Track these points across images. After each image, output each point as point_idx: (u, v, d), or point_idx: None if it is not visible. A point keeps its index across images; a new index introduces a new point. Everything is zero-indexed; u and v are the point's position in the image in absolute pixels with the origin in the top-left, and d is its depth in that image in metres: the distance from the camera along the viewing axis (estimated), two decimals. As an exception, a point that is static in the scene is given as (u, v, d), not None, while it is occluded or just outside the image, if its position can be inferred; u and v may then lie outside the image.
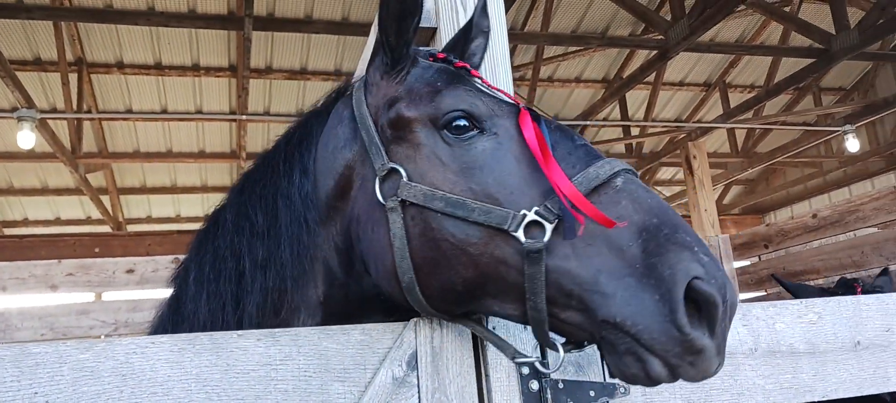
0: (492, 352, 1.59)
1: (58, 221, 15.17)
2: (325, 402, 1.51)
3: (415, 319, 1.59)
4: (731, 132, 15.16)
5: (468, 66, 1.69)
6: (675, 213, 1.38)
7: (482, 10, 1.86)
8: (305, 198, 1.77)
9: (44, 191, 14.14)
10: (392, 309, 1.69)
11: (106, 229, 14.70)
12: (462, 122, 1.54)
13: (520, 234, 1.38)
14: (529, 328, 1.62)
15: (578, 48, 12.02)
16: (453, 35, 1.91)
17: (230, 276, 1.83)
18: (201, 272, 1.89)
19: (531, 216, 1.38)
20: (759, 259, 6.67)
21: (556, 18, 11.50)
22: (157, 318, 2.08)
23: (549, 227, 1.36)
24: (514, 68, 12.63)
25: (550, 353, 1.60)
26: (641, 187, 1.41)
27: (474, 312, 1.58)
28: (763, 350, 1.82)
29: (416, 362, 1.56)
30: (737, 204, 18.74)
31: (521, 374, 1.59)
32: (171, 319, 1.98)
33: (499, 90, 1.64)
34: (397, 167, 1.58)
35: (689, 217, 12.73)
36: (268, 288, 1.78)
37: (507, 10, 9.08)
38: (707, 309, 1.23)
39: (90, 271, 5.91)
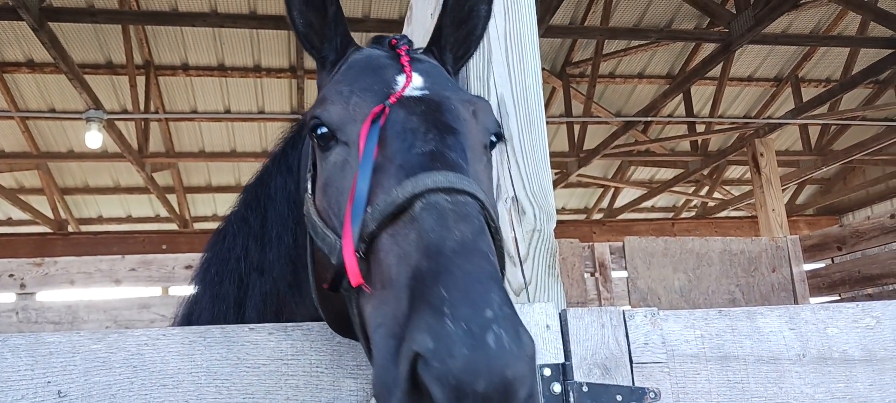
0: (511, 352, 1.51)
1: (129, 219, 15.80)
2: (337, 398, 1.46)
3: (429, 316, 1.52)
4: (803, 129, 14.50)
5: (401, 53, 1.53)
6: (458, 252, 1.06)
7: None
8: (288, 199, 1.71)
9: (116, 189, 14.74)
10: None
11: (174, 227, 15.22)
12: (322, 130, 1.40)
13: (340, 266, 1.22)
14: (551, 327, 1.54)
15: (640, 43, 11.70)
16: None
17: (233, 279, 1.81)
18: (207, 274, 1.89)
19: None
20: (833, 262, 6.35)
21: (616, 13, 11.23)
22: (174, 319, 2.09)
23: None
24: (574, 64, 12.42)
25: None
26: (437, 213, 1.13)
27: None
28: (812, 356, 1.67)
29: (431, 360, 1.49)
30: (811, 205, 17.92)
31: (542, 376, 1.50)
32: (183, 321, 1.99)
33: (409, 79, 1.44)
34: (308, 178, 1.49)
35: (757, 218, 12.24)
36: (265, 292, 1.75)
37: (563, 3, 8.93)
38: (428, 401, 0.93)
39: (151, 267, 6.10)
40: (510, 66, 1.79)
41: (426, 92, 1.42)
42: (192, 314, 1.95)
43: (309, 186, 1.47)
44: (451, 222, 1.11)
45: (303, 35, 1.54)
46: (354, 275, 1.15)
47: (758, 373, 1.67)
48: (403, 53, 1.53)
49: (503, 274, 1.19)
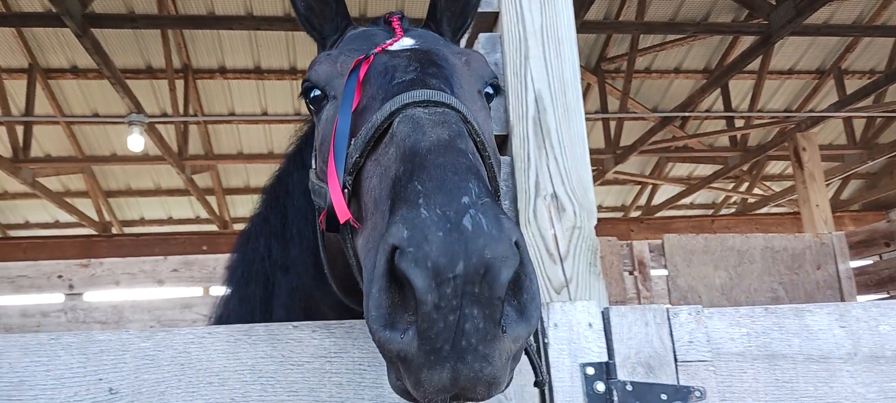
0: (553, 352, 1.50)
1: (170, 220, 16.12)
2: (380, 396, 1.47)
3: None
4: (847, 122, 14.12)
5: (393, 23, 1.54)
6: (432, 150, 1.02)
7: None
8: (305, 194, 1.70)
9: (157, 192, 15.05)
10: None
11: (213, 228, 15.48)
12: (314, 92, 1.41)
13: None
14: (594, 325, 1.52)
15: (676, 37, 11.52)
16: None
17: (258, 279, 1.82)
18: (234, 275, 1.91)
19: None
20: (881, 258, 6.18)
21: (652, 7, 11.08)
22: (209, 320, 2.12)
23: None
24: (609, 59, 12.29)
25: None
26: (412, 122, 1.09)
27: None
28: (864, 355, 1.62)
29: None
30: (857, 200, 17.44)
31: (585, 375, 1.48)
32: (215, 322, 2.01)
33: (397, 35, 1.44)
34: (313, 156, 1.50)
35: (799, 214, 11.96)
36: (292, 288, 1.75)
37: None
38: (411, 296, 0.89)
39: (193, 267, 6.22)
40: (547, 60, 1.77)
41: (415, 47, 1.42)
42: (223, 316, 1.97)
43: (313, 162, 1.47)
44: (427, 127, 1.08)
45: (304, 18, 1.58)
46: (341, 210, 1.11)
47: (807, 372, 1.63)
48: (395, 21, 1.54)
49: (498, 201, 1.11)
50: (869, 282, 6.14)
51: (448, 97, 1.16)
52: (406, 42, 1.44)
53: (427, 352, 0.88)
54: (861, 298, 6.12)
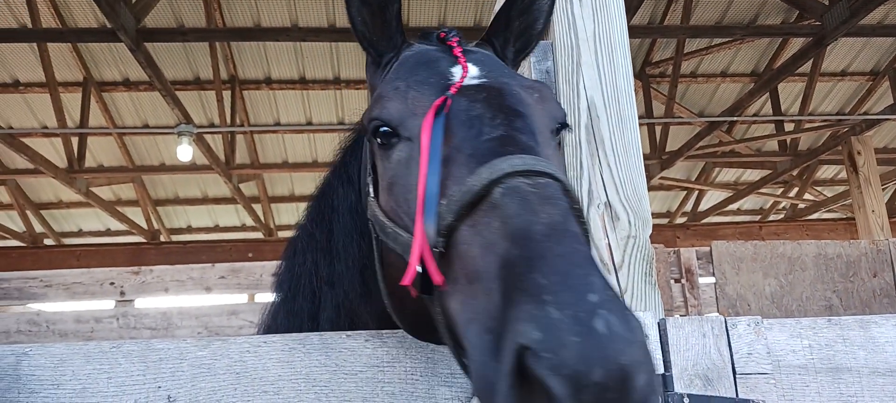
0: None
1: (217, 228, 16.43)
2: (432, 407, 1.46)
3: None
4: (903, 124, 13.66)
5: (453, 45, 1.50)
6: (549, 235, 1.00)
7: None
8: (351, 210, 1.70)
9: (204, 200, 15.37)
10: None
11: (259, 236, 15.73)
12: (382, 129, 1.37)
13: (419, 267, 1.17)
14: (650, 337, 1.49)
15: (723, 40, 11.30)
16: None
17: (305, 293, 1.82)
18: (281, 289, 1.92)
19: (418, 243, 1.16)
20: (941, 265, 5.94)
21: (698, 10, 10.89)
22: (258, 328, 2.14)
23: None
24: (654, 64, 12.12)
25: None
26: (519, 197, 1.07)
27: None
28: (936, 368, 1.55)
29: (527, 370, 1.47)
30: (913, 205, 16.84)
31: (641, 386, 1.45)
32: (265, 332, 2.02)
33: (465, 70, 1.39)
34: (369, 181, 1.47)
35: (854, 220, 11.59)
36: (338, 303, 1.74)
37: (642, 3, 8.73)
38: (538, 395, 0.87)
39: (240, 274, 6.31)
40: (600, 68, 1.76)
41: (484, 79, 1.39)
42: (271, 327, 1.98)
43: (371, 189, 1.45)
44: (536, 205, 1.06)
45: (360, 33, 1.54)
46: (435, 274, 1.11)
47: (873, 386, 1.57)
48: (455, 44, 1.50)
49: (616, 294, 1.13)
50: (929, 291, 5.90)
51: (546, 164, 1.15)
52: (473, 71, 1.42)
53: None
54: (919, 308, 5.89)
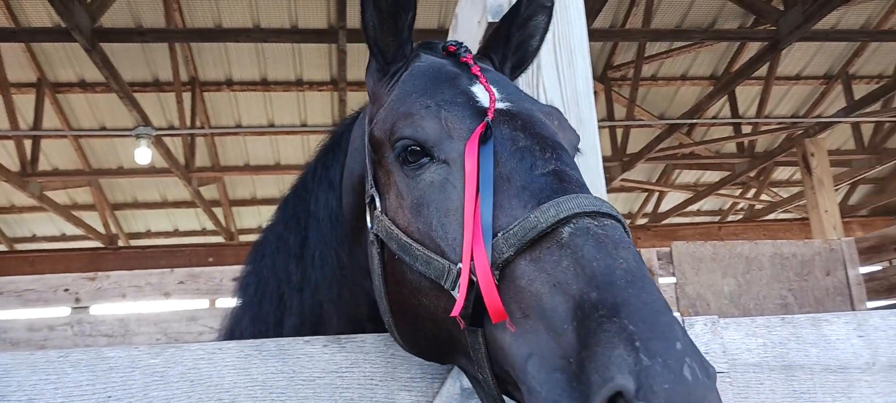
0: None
1: (176, 232, 16.14)
2: (392, 412, 1.45)
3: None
4: (856, 127, 14.06)
5: (469, 62, 1.48)
6: (630, 282, 1.02)
7: None
8: (331, 217, 1.66)
9: (163, 204, 15.09)
10: None
11: (220, 239, 15.49)
12: (412, 148, 1.33)
13: (456, 294, 1.17)
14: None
15: (683, 44, 11.51)
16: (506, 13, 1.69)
17: (272, 299, 1.78)
18: (246, 293, 1.88)
19: (468, 273, 1.14)
20: (891, 263, 6.13)
21: (658, 14, 11.07)
22: (218, 333, 2.10)
23: None
24: (615, 67, 12.28)
25: None
26: (593, 240, 1.08)
27: (455, 364, 1.39)
28: (883, 364, 1.60)
29: (486, 372, 1.47)
30: (865, 205, 17.35)
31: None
32: (226, 337, 1.98)
33: (490, 92, 1.38)
34: (375, 194, 1.42)
35: (808, 220, 11.90)
36: (304, 311, 1.72)
37: (604, 7, 8.83)
38: None
39: (199, 279, 6.20)
40: (560, 70, 1.76)
41: (510, 104, 1.38)
42: (234, 332, 1.94)
43: (378, 203, 1.40)
44: (611, 249, 1.07)
45: (371, 39, 1.50)
46: (496, 310, 1.09)
47: (825, 383, 1.61)
48: (471, 61, 1.49)
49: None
50: (879, 288, 6.08)
51: (610, 206, 1.16)
52: (498, 94, 1.41)
53: None
54: (871, 305, 6.06)
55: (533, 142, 1.27)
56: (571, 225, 1.10)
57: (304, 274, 1.72)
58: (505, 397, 1.22)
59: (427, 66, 1.51)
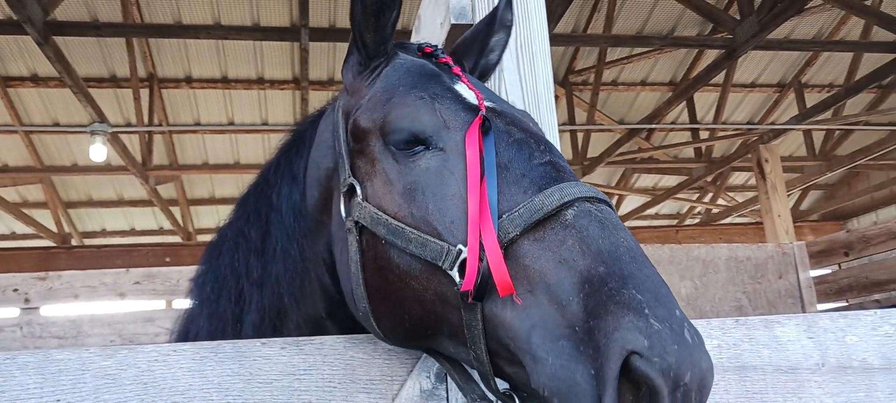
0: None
1: (133, 232, 15.80)
2: (350, 414, 1.44)
3: (444, 329, 1.50)
4: (808, 134, 14.47)
5: (450, 62, 1.56)
6: (633, 258, 1.11)
7: (507, 2, 1.72)
8: (294, 210, 1.68)
9: (119, 202, 14.75)
10: None
11: (177, 239, 15.21)
12: (406, 136, 1.39)
13: (454, 274, 1.22)
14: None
15: (643, 50, 11.70)
16: (473, 27, 1.79)
17: (230, 296, 1.77)
18: (203, 291, 1.85)
19: (467, 253, 1.21)
20: (840, 267, 6.31)
21: (619, 20, 11.24)
22: (171, 335, 2.06)
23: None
24: (576, 72, 12.42)
25: None
26: (596, 221, 1.16)
27: (434, 350, 1.43)
28: (831, 365, 1.65)
29: (446, 374, 1.47)
30: (815, 210, 17.87)
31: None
32: (180, 338, 1.95)
33: (475, 91, 1.46)
34: (354, 183, 1.45)
35: (762, 224, 12.20)
36: (264, 307, 1.71)
37: (566, 12, 8.94)
38: (646, 397, 0.99)
39: (156, 280, 6.07)
40: (521, 74, 1.78)
41: (494, 104, 1.47)
42: (190, 332, 1.91)
43: (358, 191, 1.44)
44: (612, 229, 1.16)
45: (357, 33, 1.55)
46: (504, 284, 1.15)
47: (776, 383, 1.65)
48: (451, 62, 1.57)
49: None
50: (828, 291, 6.25)
51: (602, 193, 1.26)
52: (482, 92, 1.49)
53: None
54: (821, 307, 6.23)
55: (526, 135, 1.37)
56: (574, 208, 1.19)
57: (265, 268, 1.72)
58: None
59: (409, 62, 1.56)
